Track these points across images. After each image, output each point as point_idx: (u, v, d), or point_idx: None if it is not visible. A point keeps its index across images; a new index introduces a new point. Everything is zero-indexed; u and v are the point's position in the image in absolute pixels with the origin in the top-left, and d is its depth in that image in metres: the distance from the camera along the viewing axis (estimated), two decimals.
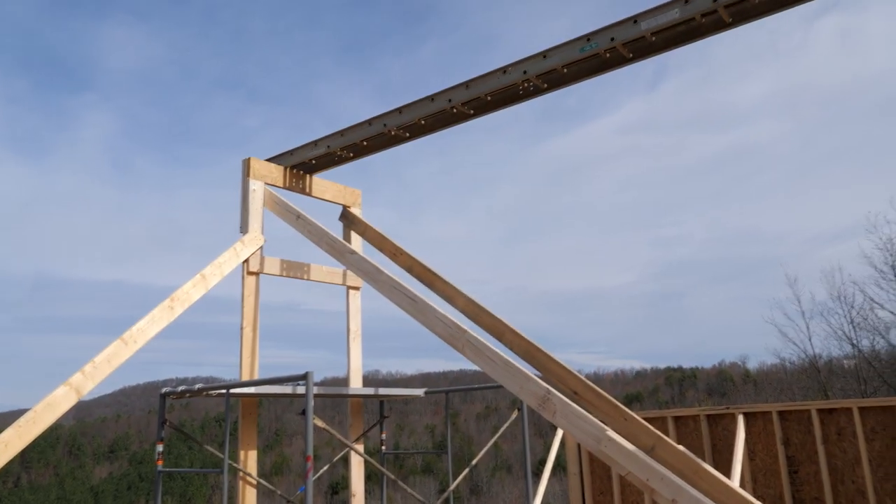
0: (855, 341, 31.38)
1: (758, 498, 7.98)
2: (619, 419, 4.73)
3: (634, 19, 5.46)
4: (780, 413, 8.23)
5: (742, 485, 7.95)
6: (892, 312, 30.52)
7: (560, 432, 8.96)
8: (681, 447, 4.21)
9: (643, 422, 4.50)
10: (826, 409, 8.01)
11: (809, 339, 35.03)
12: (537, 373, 5.39)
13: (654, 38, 5.46)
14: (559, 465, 16.76)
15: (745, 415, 8.39)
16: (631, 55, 5.63)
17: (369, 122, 6.80)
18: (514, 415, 6.71)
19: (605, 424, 4.34)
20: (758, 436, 8.29)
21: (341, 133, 7.02)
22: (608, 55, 5.67)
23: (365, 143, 7.01)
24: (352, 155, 7.28)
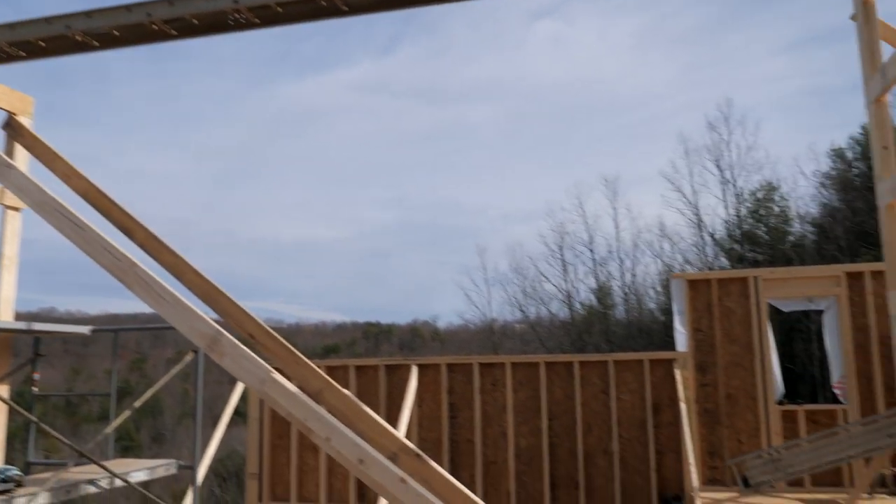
0: (524, 308, 35.84)
1: (420, 441, 8.76)
2: (291, 364, 4.79)
3: None
4: (449, 365, 9.10)
5: (409, 429, 8.65)
6: (555, 286, 35.36)
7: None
8: (346, 392, 4.40)
9: (314, 367, 4.62)
10: (486, 363, 9.05)
11: (489, 304, 39.14)
12: (219, 318, 5.25)
13: None
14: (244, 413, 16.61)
15: (419, 366, 9.12)
16: (346, 8, 5.64)
17: (48, 19, 5.92)
18: (189, 357, 6.47)
19: (280, 369, 4.39)
20: (427, 386, 9.07)
21: (11, 26, 6.01)
22: (324, 2, 5.61)
23: (43, 43, 6.09)
24: (24, 54, 6.27)
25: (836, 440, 6.70)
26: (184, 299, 4.13)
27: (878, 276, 8.23)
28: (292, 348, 4.81)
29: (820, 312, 8.81)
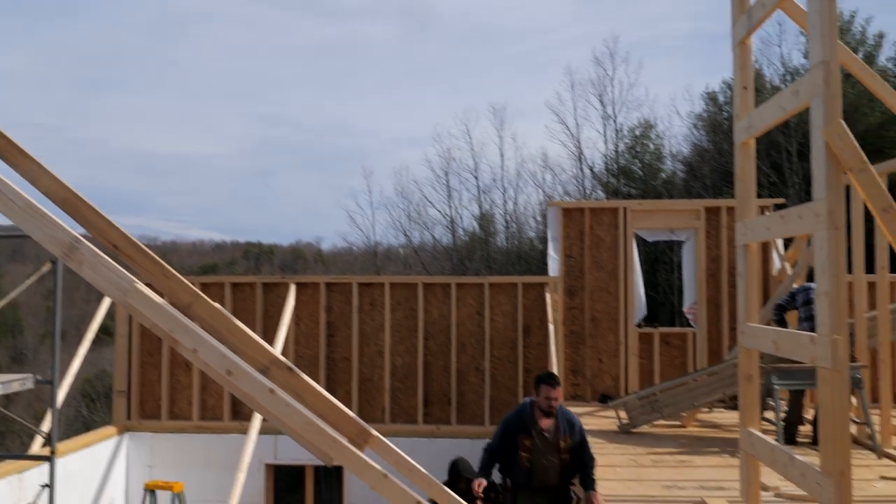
0: (408, 233, 36.07)
1: (297, 358, 8.79)
2: (159, 276, 4.60)
3: None
4: (328, 284, 9.09)
5: (285, 347, 8.65)
6: (439, 212, 35.69)
7: None
8: (217, 305, 4.30)
9: (184, 280, 4.47)
10: (365, 283, 9.11)
11: (373, 228, 39.06)
12: (83, 231, 4.95)
13: None
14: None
15: (298, 285, 9.06)
16: None
17: None
18: (47, 267, 6.10)
19: (148, 284, 4.22)
20: (305, 304, 9.05)
21: None
22: None
23: None
24: None
25: (690, 387, 7.47)
26: (38, 205, 3.85)
27: (733, 211, 8.89)
28: (160, 260, 4.64)
29: (681, 244, 9.46)
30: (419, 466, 4.23)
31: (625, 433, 7.39)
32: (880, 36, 25.51)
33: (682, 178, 31.14)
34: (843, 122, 3.25)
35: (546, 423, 5.27)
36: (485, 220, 35.71)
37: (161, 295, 4.32)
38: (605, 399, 8.70)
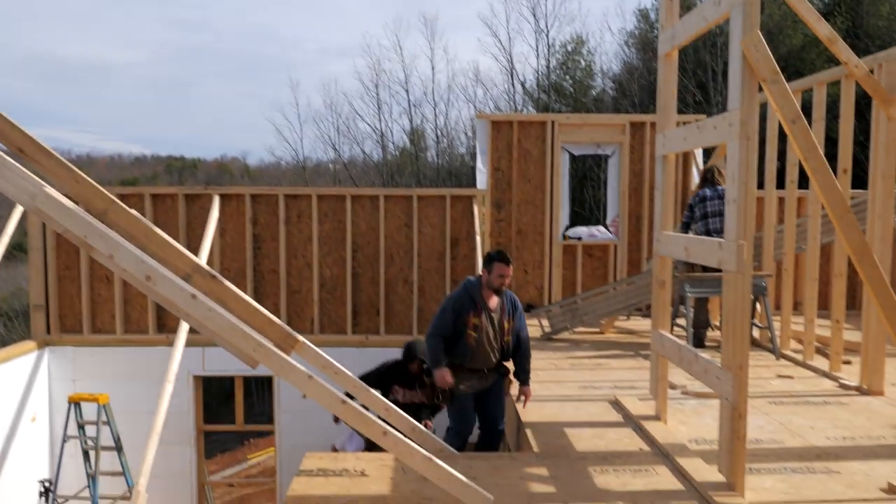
0: (337, 147, 35.38)
1: (222, 270, 8.68)
2: (71, 182, 4.41)
3: None
4: (253, 196, 8.91)
5: (210, 259, 8.49)
6: (369, 125, 35.05)
7: (20, 207, 8.10)
8: (134, 212, 4.17)
9: (97, 186, 4.30)
10: (292, 195, 8.97)
11: (301, 142, 38.09)
12: None
13: None
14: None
15: (222, 196, 8.83)
16: None
17: None
18: None
19: (56, 186, 4.04)
20: (230, 216, 8.86)
21: None
22: None
23: None
24: None
25: (609, 296, 7.77)
26: None
27: (656, 126, 9.07)
28: (71, 166, 4.43)
29: (608, 160, 9.62)
30: (344, 369, 4.33)
31: (547, 340, 7.70)
32: None
33: (611, 95, 31.39)
34: (760, 34, 3.32)
35: (494, 302, 5.17)
36: (416, 134, 35.33)
37: (75, 203, 4.15)
38: (529, 308, 8.98)
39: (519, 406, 5.11)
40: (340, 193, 8.97)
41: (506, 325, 5.17)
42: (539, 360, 6.50)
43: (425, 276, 9.05)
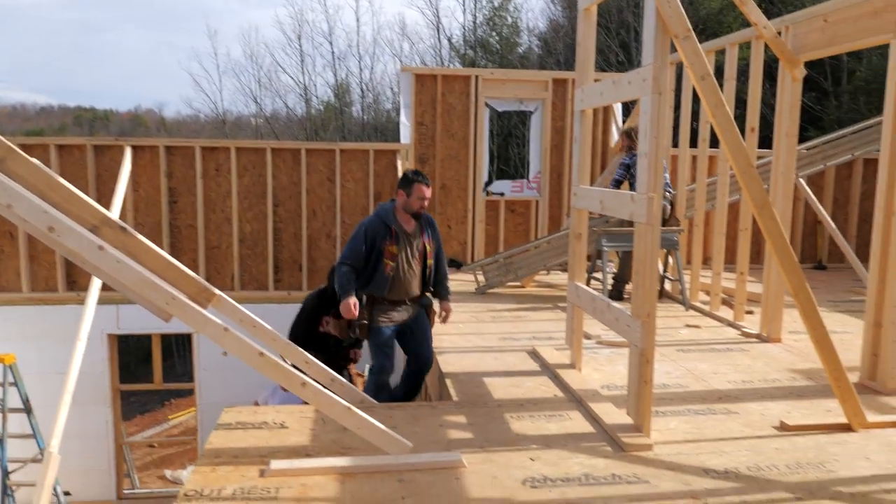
0: (259, 100, 34.33)
1: (136, 225, 8.37)
2: None
3: None
4: (167, 148, 8.57)
5: (123, 213, 8.17)
6: (292, 78, 34.10)
7: None
8: (35, 161, 3.95)
9: None
10: (209, 147, 8.68)
11: (221, 94, 36.73)
12: None
13: None
14: None
15: (134, 148, 8.46)
16: None
17: None
18: None
19: None
20: (143, 168, 8.51)
21: None
22: None
23: None
24: None
25: (541, 251, 7.91)
26: None
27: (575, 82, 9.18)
28: None
29: (531, 116, 9.71)
30: (264, 323, 4.28)
31: (481, 294, 7.81)
32: None
33: (537, 53, 31.50)
34: None
35: (411, 226, 4.79)
36: (341, 89, 34.61)
37: None
38: (453, 263, 9.07)
39: (441, 360, 5.17)
40: (260, 146, 8.74)
41: (427, 247, 4.81)
42: (460, 314, 6.59)
43: (349, 230, 8.97)
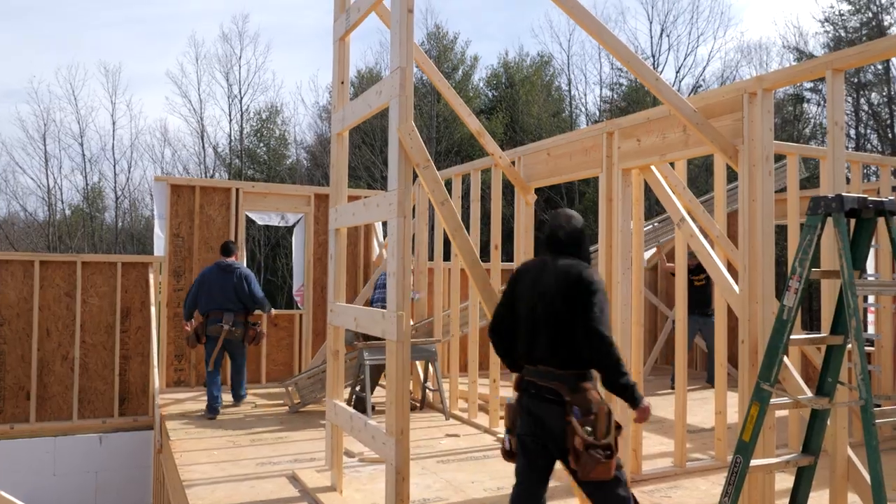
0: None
1: None
2: None
3: None
4: None
5: None
6: (34, 180, 31.11)
7: None
8: None
9: None
10: None
11: None
12: None
13: None
14: None
15: None
16: None
17: None
18: None
19: None
20: None
21: None
22: None
23: None
24: None
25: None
26: None
27: (329, 201, 9.44)
28: None
29: (291, 229, 9.72)
30: None
31: (295, 412, 7.38)
32: (476, 58, 29.53)
33: (306, 166, 32.05)
34: (414, 124, 3.68)
35: None
36: (92, 193, 32.07)
37: None
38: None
39: (190, 494, 4.76)
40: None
41: None
42: (215, 440, 6.18)
43: (90, 351, 8.12)
